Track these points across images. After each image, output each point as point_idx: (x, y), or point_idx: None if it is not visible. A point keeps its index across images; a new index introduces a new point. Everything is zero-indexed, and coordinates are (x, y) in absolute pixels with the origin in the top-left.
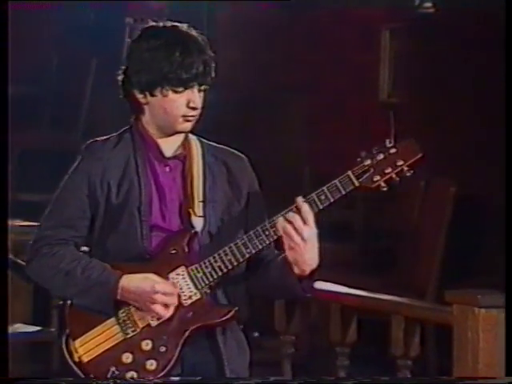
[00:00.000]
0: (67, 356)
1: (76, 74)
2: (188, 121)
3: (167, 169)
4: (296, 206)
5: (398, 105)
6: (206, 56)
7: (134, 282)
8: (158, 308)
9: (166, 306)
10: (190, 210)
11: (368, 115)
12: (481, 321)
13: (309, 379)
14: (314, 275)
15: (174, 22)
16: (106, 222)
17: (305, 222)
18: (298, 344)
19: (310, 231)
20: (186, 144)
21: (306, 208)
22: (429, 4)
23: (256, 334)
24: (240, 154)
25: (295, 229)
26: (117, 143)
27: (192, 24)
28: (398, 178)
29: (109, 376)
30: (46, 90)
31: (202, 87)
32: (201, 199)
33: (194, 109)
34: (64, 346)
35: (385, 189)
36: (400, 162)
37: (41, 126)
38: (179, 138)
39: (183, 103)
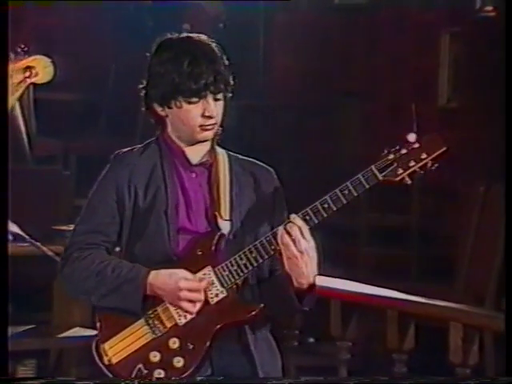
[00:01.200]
0: (97, 359)
1: (133, 80)
2: (206, 130)
3: (193, 175)
4: (291, 219)
5: (458, 109)
6: (217, 65)
7: (160, 278)
8: (185, 304)
9: (193, 301)
10: (217, 213)
11: (427, 120)
12: None
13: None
14: (313, 289)
15: (191, 32)
16: (134, 226)
17: (302, 234)
18: (354, 350)
19: (307, 244)
20: (212, 153)
21: (300, 222)
22: (489, 7)
23: (311, 340)
24: (267, 166)
25: (293, 240)
26: (143, 151)
27: (249, 30)
28: (422, 172)
29: (134, 374)
30: (104, 97)
31: (218, 96)
32: (228, 203)
33: (209, 118)
34: (94, 350)
35: (409, 182)
36: (424, 156)
37: (98, 132)
38: (205, 146)
39: (198, 113)
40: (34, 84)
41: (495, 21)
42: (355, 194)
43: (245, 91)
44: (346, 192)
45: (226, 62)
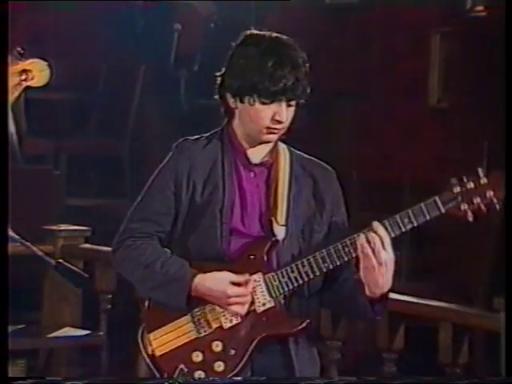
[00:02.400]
0: (142, 348)
1: (124, 79)
2: (272, 133)
3: (252, 174)
4: (373, 229)
5: (448, 109)
6: (299, 72)
7: (207, 282)
8: (233, 308)
9: (243, 303)
10: (273, 218)
11: (418, 120)
12: None
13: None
14: (385, 299)
15: (276, 32)
16: (188, 220)
17: (383, 245)
18: (344, 349)
19: (387, 256)
20: (274, 152)
21: (383, 233)
22: (480, 7)
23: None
24: (328, 166)
25: (373, 251)
26: (206, 144)
27: (240, 29)
28: (485, 209)
29: (176, 374)
30: (94, 97)
31: (292, 102)
32: (285, 208)
33: (279, 122)
34: (140, 339)
35: (471, 219)
36: (490, 193)
37: (89, 132)
38: (267, 146)
39: (269, 115)
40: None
41: (486, 20)
42: (415, 224)
43: None
44: (406, 220)
45: (308, 70)
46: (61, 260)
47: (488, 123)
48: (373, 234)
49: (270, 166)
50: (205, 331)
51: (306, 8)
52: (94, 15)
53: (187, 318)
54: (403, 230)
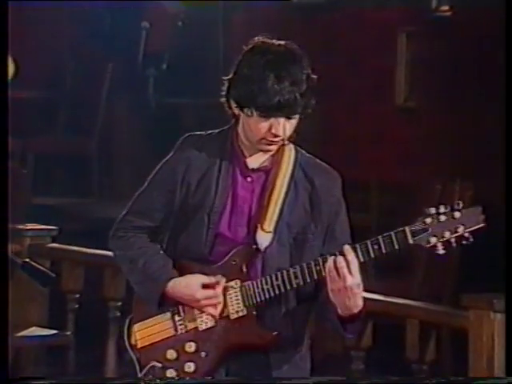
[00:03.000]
0: (126, 337)
1: (92, 78)
2: (269, 144)
3: (249, 179)
4: (343, 252)
5: (415, 108)
6: (300, 87)
7: (179, 286)
8: (205, 310)
9: (215, 305)
10: (258, 225)
11: (384, 119)
12: (496, 325)
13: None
14: (356, 319)
15: (283, 40)
16: (179, 219)
17: (350, 270)
18: (313, 348)
19: (353, 280)
20: (277, 156)
21: (351, 257)
22: (446, 7)
23: None
24: (334, 173)
25: (339, 275)
26: (209, 144)
27: (207, 28)
28: (455, 244)
29: (145, 370)
30: (62, 95)
31: (293, 116)
32: (276, 215)
33: (275, 136)
34: (126, 328)
35: (441, 252)
36: (460, 228)
37: (56, 130)
38: (268, 152)
39: (266, 127)
40: None
41: (451, 20)
42: (383, 251)
43: (204, 90)
44: (376, 247)
45: (312, 84)
46: (27, 259)
47: (454, 122)
48: (341, 258)
49: (268, 171)
50: (182, 330)
51: (272, 7)
52: (61, 13)
53: (167, 315)
54: (372, 256)
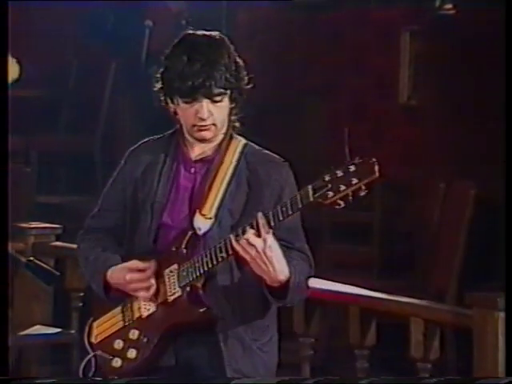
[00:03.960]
0: (86, 336)
1: (95, 76)
2: (201, 130)
3: (192, 170)
4: (255, 220)
5: (418, 107)
6: (213, 69)
7: (114, 273)
8: (137, 294)
9: (147, 288)
10: (197, 211)
11: (388, 118)
12: (500, 324)
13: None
14: (285, 287)
15: (210, 30)
16: (132, 216)
17: (259, 235)
18: (317, 346)
19: (263, 244)
20: (221, 147)
21: (261, 222)
22: (449, 5)
23: None
24: (279, 160)
25: (249, 242)
26: (158, 143)
27: (210, 26)
28: (351, 198)
29: (85, 361)
30: (65, 93)
31: (216, 98)
32: (217, 201)
33: (201, 119)
34: (87, 327)
35: (340, 206)
36: (355, 181)
37: (59, 129)
38: (211, 142)
39: (192, 113)
40: None
41: (455, 18)
42: (290, 213)
43: None
44: (284, 209)
45: (233, 66)
46: (32, 258)
47: (458, 121)
48: (248, 227)
49: (211, 162)
50: (128, 321)
51: (276, 6)
52: (64, 12)
53: (118, 308)
54: (280, 218)
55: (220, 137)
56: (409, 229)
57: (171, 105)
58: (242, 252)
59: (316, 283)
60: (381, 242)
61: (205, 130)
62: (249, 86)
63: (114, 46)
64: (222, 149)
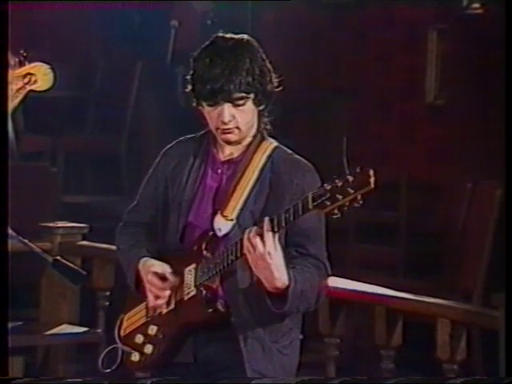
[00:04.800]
0: (116, 329)
1: (121, 77)
2: (225, 133)
3: (219, 171)
4: (260, 224)
5: (445, 106)
6: (233, 72)
7: (145, 266)
8: (150, 298)
9: (157, 297)
10: (219, 212)
11: (414, 117)
12: None
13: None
14: (283, 295)
15: (237, 32)
16: (162, 213)
17: (262, 239)
18: (342, 346)
19: (264, 249)
20: (249, 149)
21: (266, 227)
22: (477, 4)
23: (300, 337)
24: (305, 164)
25: (252, 245)
26: (189, 143)
27: (236, 26)
28: (346, 208)
29: (104, 353)
30: (91, 93)
31: (238, 102)
32: (240, 203)
33: (223, 123)
34: (119, 320)
35: (337, 216)
36: (351, 191)
37: (86, 129)
38: (240, 143)
39: (215, 116)
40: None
41: (482, 18)
42: (292, 219)
43: None
44: (287, 215)
45: (257, 70)
46: (58, 257)
47: (485, 120)
48: (253, 229)
49: (238, 163)
50: (151, 316)
51: (302, 5)
52: (90, 13)
53: (144, 303)
54: (283, 224)
55: (248, 139)
56: (435, 229)
57: (199, 107)
58: (247, 252)
59: (342, 283)
60: (407, 242)
61: (228, 132)
62: (277, 89)
63: (140, 47)
64: (249, 151)
